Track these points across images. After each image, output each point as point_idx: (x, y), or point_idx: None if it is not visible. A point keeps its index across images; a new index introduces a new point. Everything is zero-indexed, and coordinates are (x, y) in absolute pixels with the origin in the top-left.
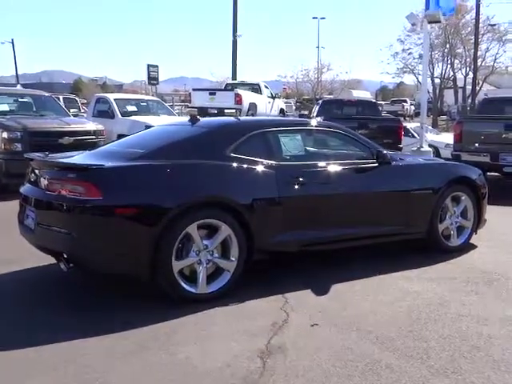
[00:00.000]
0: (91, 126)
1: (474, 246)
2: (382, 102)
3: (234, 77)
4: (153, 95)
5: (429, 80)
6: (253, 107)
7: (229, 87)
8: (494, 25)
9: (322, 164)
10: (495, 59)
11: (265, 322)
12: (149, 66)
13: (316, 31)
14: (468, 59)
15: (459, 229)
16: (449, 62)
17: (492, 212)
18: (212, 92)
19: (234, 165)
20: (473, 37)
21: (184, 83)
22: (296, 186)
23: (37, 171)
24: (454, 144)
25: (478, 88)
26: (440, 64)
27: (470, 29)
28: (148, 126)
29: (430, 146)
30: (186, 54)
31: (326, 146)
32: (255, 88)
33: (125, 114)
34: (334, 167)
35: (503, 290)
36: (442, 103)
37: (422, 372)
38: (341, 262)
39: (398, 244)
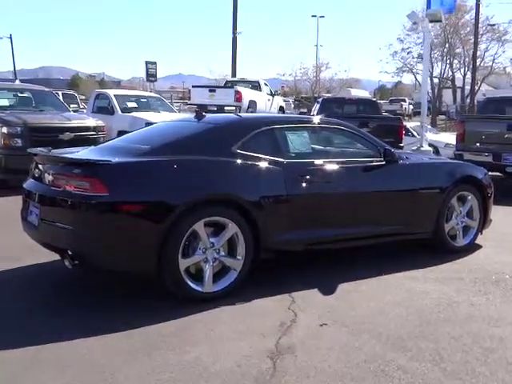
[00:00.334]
0: (92, 121)
1: (479, 246)
2: (381, 101)
3: (233, 74)
4: (151, 91)
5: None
6: (252, 105)
7: (228, 84)
8: (494, 25)
9: (329, 162)
10: (494, 59)
11: (273, 321)
12: (147, 62)
13: (315, 30)
14: (467, 59)
15: (465, 229)
16: (448, 61)
17: (496, 212)
18: (212, 89)
19: (242, 161)
20: (472, 37)
21: (182, 80)
22: (303, 184)
23: (41, 166)
24: (457, 143)
25: (476, 88)
26: (439, 63)
27: (469, 29)
28: (149, 123)
29: (429, 145)
30: (184, 51)
31: (334, 144)
32: (255, 85)
33: (125, 110)
34: (341, 165)
35: (511, 290)
36: (441, 103)
37: (436, 374)
38: (345, 261)
39: (402, 243)
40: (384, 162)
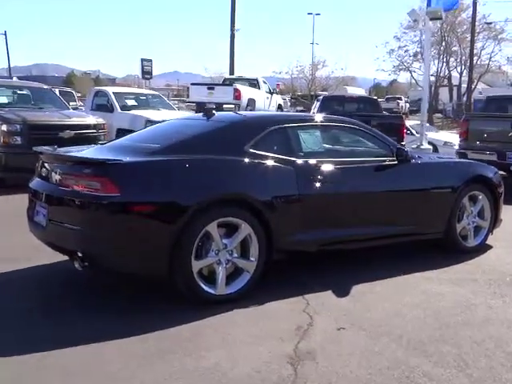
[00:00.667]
0: (92, 119)
1: (489, 247)
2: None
3: (231, 72)
4: (145, 89)
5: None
6: (251, 103)
7: (227, 82)
8: (490, 23)
9: (342, 161)
10: (490, 58)
11: (288, 325)
12: (142, 60)
13: (311, 28)
14: (463, 57)
15: (476, 229)
16: (444, 59)
17: (506, 212)
18: (210, 87)
19: (254, 161)
20: (469, 35)
21: (177, 78)
22: (316, 184)
23: (47, 165)
24: (460, 142)
25: (472, 86)
26: (436, 62)
27: (465, 27)
28: (149, 121)
29: (428, 143)
30: (179, 48)
31: (346, 143)
32: (253, 83)
33: (124, 107)
34: (353, 165)
35: None
36: (437, 101)
37: (462, 381)
38: (357, 262)
39: (414, 244)
40: (396, 162)
